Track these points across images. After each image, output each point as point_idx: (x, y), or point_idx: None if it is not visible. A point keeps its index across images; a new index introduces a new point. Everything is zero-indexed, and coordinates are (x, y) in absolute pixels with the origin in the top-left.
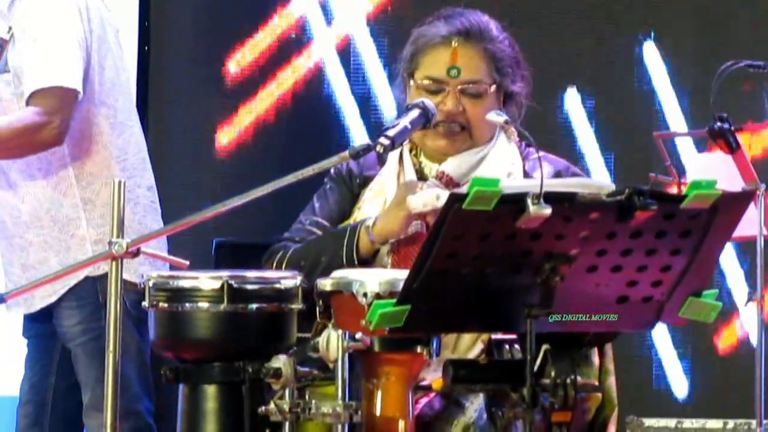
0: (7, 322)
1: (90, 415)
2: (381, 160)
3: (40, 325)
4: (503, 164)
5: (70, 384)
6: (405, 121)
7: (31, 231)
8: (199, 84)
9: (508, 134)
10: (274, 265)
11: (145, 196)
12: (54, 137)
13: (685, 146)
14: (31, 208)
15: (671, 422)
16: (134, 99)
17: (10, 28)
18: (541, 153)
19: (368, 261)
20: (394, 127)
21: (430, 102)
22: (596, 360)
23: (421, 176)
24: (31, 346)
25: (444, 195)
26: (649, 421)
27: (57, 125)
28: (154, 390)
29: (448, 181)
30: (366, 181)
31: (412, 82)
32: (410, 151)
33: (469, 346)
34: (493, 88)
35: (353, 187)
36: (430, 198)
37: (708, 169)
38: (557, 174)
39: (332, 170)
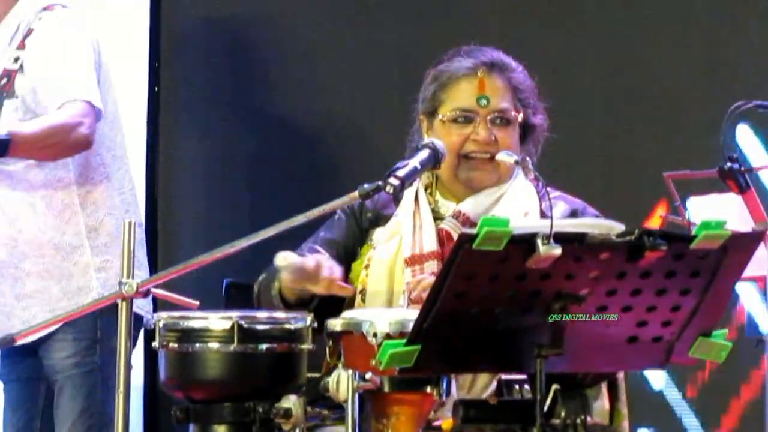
0: None
1: None
2: (396, 199)
3: (23, 368)
4: (520, 204)
5: (53, 426)
6: (415, 162)
7: (28, 260)
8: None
9: (526, 171)
10: (255, 289)
11: (137, 231)
12: (86, 137)
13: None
14: (31, 236)
15: None
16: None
17: (17, 58)
18: (557, 192)
19: (299, 304)
20: (404, 167)
21: (440, 142)
22: (606, 404)
23: (437, 215)
24: (12, 389)
25: (282, 255)
26: None
27: (87, 126)
28: (164, 430)
29: (464, 221)
30: (378, 219)
31: (437, 118)
32: (425, 189)
33: (486, 384)
34: (520, 117)
35: (362, 222)
36: (280, 258)
37: (718, 209)
38: (572, 213)
39: None
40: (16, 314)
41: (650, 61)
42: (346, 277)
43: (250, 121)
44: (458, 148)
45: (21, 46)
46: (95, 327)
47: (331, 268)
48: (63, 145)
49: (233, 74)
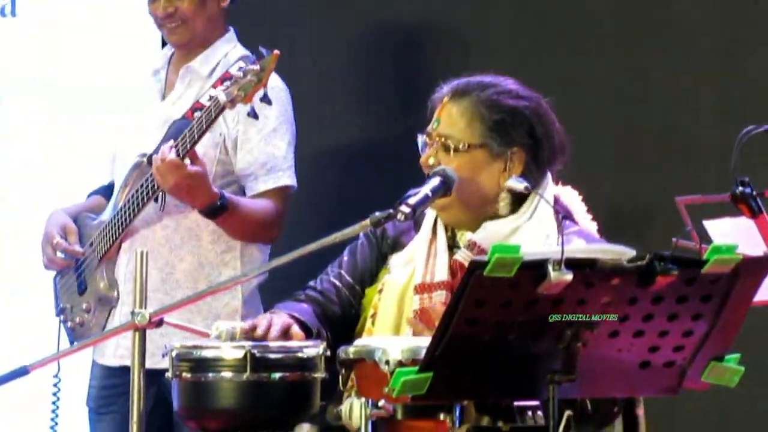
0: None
1: None
2: (416, 225)
3: (125, 401)
4: (538, 237)
5: None
6: (426, 189)
7: (181, 290)
8: None
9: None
10: None
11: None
12: (273, 238)
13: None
14: (191, 267)
15: None
16: None
17: (225, 98)
18: (576, 227)
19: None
20: (415, 194)
21: (451, 170)
22: None
23: (453, 244)
24: (112, 421)
25: (214, 326)
26: None
27: (279, 228)
28: None
29: (479, 252)
30: (396, 245)
31: None
32: None
33: None
34: (467, 146)
35: (383, 247)
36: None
37: (730, 234)
38: None
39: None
40: (152, 339)
41: (662, 83)
42: (360, 303)
43: None
44: (425, 171)
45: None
46: None
47: (266, 328)
48: (255, 237)
49: None
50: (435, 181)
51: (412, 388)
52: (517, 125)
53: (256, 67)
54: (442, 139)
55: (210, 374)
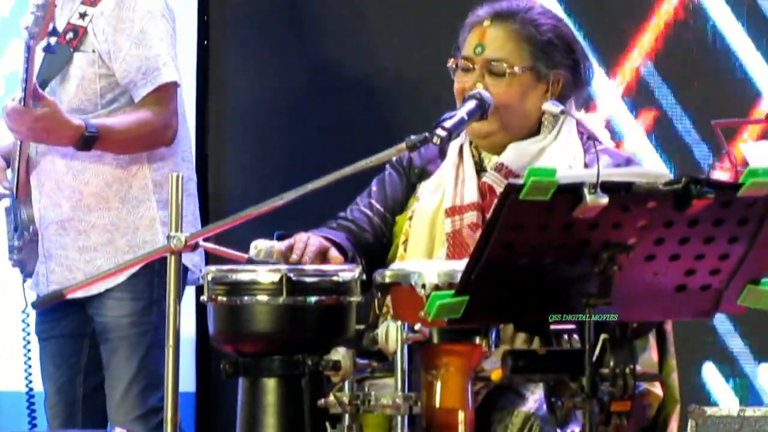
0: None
1: (119, 412)
2: (442, 153)
3: (66, 324)
4: (565, 157)
5: (97, 382)
6: (461, 113)
7: (94, 213)
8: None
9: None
10: None
11: (193, 187)
12: (171, 139)
13: None
14: (97, 189)
15: (734, 410)
16: None
17: (84, 14)
18: (603, 146)
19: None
20: (450, 118)
21: (486, 93)
22: (654, 355)
23: (481, 168)
24: (54, 345)
25: (252, 244)
26: (711, 410)
27: (174, 126)
28: (215, 384)
29: (507, 174)
30: (423, 173)
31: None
32: (471, 143)
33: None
34: (520, 69)
35: (411, 176)
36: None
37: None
38: (617, 167)
39: (394, 157)
40: (78, 267)
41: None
42: (392, 231)
43: (300, 73)
44: (459, 97)
45: (87, 1)
46: (152, 287)
47: (303, 248)
48: (147, 148)
49: (286, 25)
50: (471, 104)
51: (447, 311)
52: (561, 46)
53: (41, 2)
54: (490, 64)
55: (246, 297)
